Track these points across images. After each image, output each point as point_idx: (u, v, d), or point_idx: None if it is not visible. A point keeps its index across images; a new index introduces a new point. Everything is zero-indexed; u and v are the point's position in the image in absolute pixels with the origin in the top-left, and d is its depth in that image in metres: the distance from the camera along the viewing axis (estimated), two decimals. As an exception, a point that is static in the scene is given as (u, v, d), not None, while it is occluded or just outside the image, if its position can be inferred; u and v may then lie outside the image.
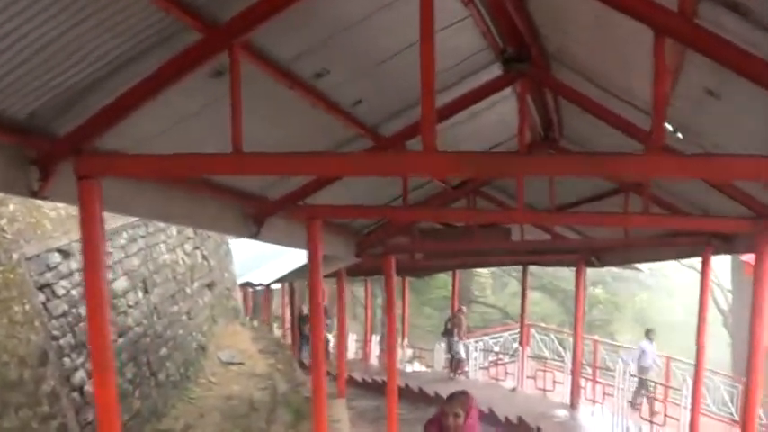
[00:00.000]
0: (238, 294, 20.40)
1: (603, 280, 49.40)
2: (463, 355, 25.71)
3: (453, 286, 29.12)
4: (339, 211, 10.65)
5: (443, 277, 38.00)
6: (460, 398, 7.27)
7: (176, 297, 16.02)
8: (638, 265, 27.98)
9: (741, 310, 29.68)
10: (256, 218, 9.97)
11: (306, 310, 32.03)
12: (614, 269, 48.13)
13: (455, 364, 25.87)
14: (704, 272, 14.53)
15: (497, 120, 10.96)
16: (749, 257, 21.77)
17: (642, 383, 20.98)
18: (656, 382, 20.47)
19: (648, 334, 22.64)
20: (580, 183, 13.49)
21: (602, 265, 20.76)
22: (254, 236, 10.16)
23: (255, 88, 6.66)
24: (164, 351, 14.74)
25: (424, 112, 5.53)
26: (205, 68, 6.03)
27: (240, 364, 16.71)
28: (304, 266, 17.77)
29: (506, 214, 11.72)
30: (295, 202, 10.03)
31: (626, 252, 18.32)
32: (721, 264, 29.52)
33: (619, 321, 48.50)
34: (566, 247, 18.68)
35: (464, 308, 29.39)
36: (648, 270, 44.75)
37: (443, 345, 27.56)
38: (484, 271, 47.09)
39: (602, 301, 46.39)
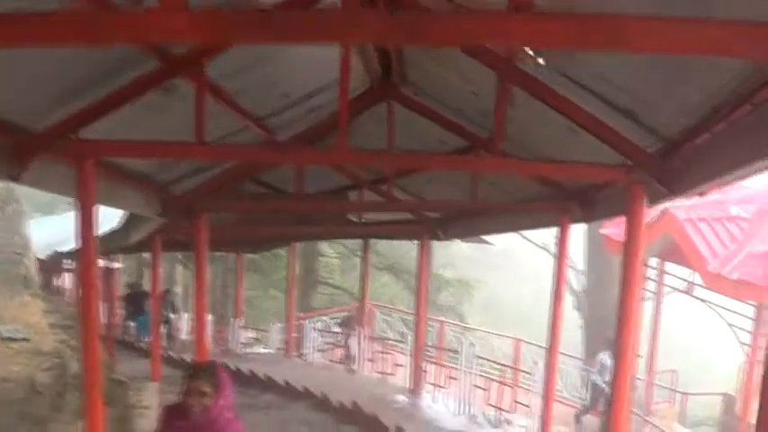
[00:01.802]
0: (32, 261, 17.69)
1: (452, 262, 48.58)
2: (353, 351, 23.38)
3: (290, 262, 27.00)
4: (117, 147, 8.33)
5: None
6: (209, 371, 5.32)
7: (-63, 258, 13.22)
8: (489, 242, 26.23)
9: (596, 291, 28.79)
10: (18, 156, 7.63)
11: (144, 286, 30.21)
12: (465, 250, 47.50)
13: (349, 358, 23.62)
14: (562, 242, 12.98)
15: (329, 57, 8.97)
16: (610, 231, 20.66)
17: (597, 396, 18.56)
18: (502, 365, 18.84)
19: (611, 345, 19.85)
20: (425, 136, 11.77)
21: (448, 237, 18.98)
22: (15, 179, 7.80)
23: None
24: None
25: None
26: None
27: (24, 340, 14.21)
28: (112, 233, 15.68)
29: (328, 154, 9.44)
30: (65, 135, 7.78)
31: (473, 222, 16.61)
32: (573, 243, 28.40)
33: (468, 304, 47.53)
34: (404, 207, 16.87)
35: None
36: (500, 249, 44.05)
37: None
38: (331, 252, 45.60)
39: (451, 283, 45.30)
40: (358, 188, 16.02)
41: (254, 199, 13.81)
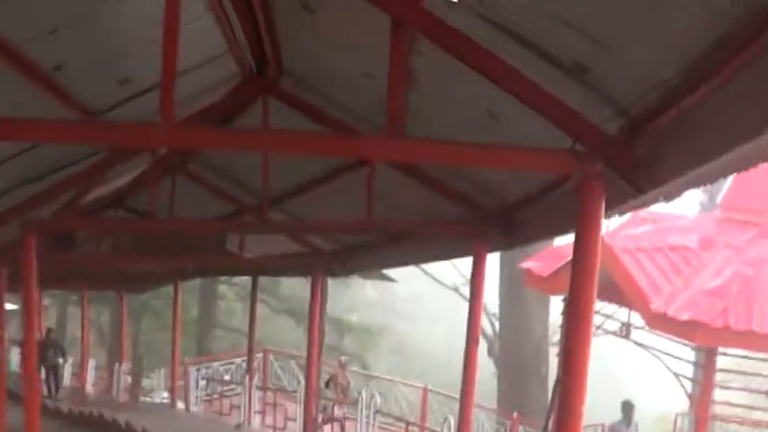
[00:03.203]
0: None
1: (357, 307, 47.18)
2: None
3: (175, 301, 24.79)
4: None
5: (187, 299, 33.66)
6: None
7: None
8: (392, 278, 24.00)
9: (512, 335, 27.49)
10: None
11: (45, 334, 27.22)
12: (370, 295, 45.76)
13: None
14: (476, 274, 10.71)
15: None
16: (532, 265, 18.53)
17: None
18: (408, 422, 16.55)
19: (626, 410, 17.17)
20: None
21: (347, 272, 16.96)
22: None
23: None
24: None
25: None
26: None
27: None
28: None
29: (147, 131, 6.40)
30: None
31: (373, 253, 14.35)
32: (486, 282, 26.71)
33: (373, 350, 45.67)
34: (283, 230, 14.56)
35: (344, 359, 22.68)
36: (408, 293, 42.47)
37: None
38: (230, 294, 44.08)
39: (354, 328, 43.51)
40: (237, 215, 14.36)
41: (97, 216, 11.56)
